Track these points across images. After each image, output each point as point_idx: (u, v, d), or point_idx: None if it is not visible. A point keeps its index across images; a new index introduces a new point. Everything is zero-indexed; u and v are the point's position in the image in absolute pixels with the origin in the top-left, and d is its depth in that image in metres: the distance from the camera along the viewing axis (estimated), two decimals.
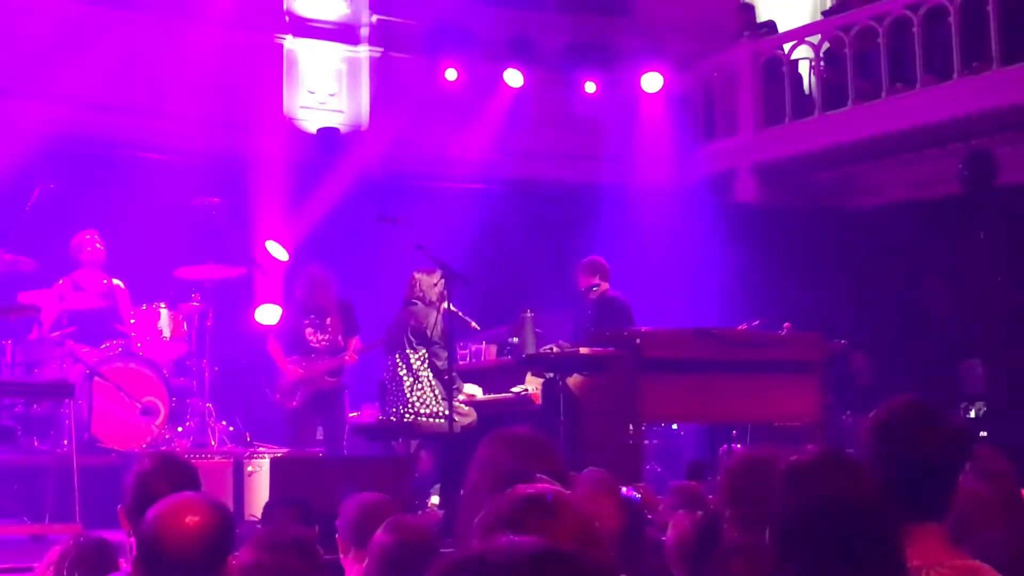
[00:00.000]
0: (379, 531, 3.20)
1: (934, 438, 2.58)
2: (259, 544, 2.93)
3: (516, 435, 3.18)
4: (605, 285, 8.92)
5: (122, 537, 3.67)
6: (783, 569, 2.19)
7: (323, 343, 8.91)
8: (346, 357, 8.87)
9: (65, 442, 7.47)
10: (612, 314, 8.71)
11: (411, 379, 7.80)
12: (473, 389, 8.12)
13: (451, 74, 12.03)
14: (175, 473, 3.28)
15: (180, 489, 2.95)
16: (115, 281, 9.01)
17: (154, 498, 2.90)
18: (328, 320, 8.94)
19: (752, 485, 3.03)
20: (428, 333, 7.81)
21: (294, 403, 8.75)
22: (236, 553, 2.93)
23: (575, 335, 8.41)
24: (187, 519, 2.51)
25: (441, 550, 3.29)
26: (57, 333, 8.40)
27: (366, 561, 3.28)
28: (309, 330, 8.91)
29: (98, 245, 8.87)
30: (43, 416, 8.01)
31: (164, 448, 7.57)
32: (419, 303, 7.95)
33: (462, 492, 6.82)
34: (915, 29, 11.00)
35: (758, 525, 2.74)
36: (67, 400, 7.30)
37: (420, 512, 7.21)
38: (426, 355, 7.82)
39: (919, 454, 2.54)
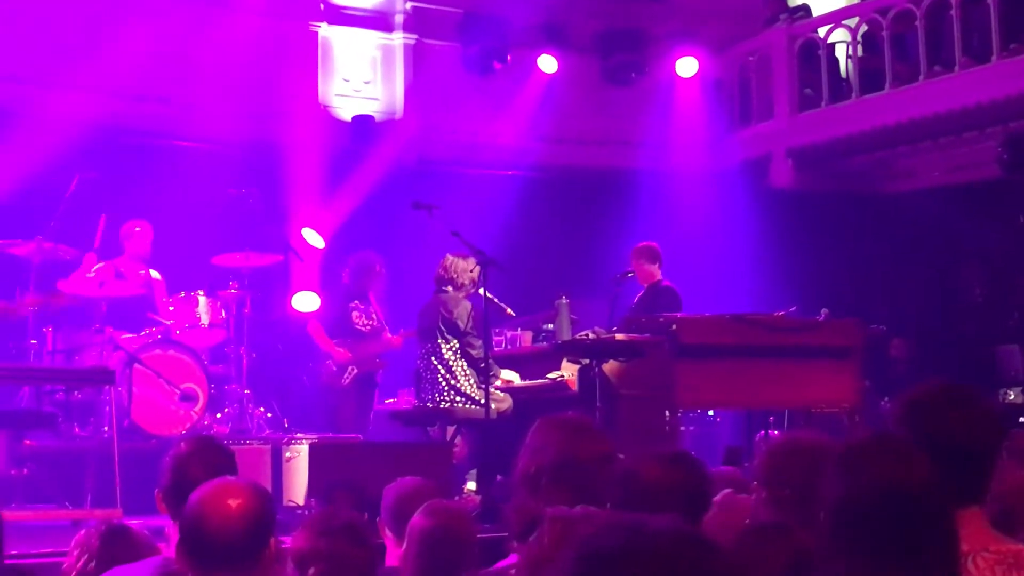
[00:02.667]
0: (417, 515, 3.22)
1: (967, 420, 2.57)
2: (313, 529, 2.95)
3: (567, 420, 3.18)
4: (659, 274, 9.02)
5: (162, 522, 3.71)
6: (835, 555, 2.18)
7: (368, 327, 9.02)
8: (396, 340, 8.94)
9: (106, 428, 7.55)
10: (667, 305, 8.74)
11: (444, 369, 7.81)
12: (510, 375, 8.13)
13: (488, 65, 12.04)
14: (211, 457, 3.30)
15: (216, 473, 2.97)
16: (152, 272, 9.09)
17: (190, 482, 2.94)
18: (371, 305, 9.06)
19: (792, 468, 3.02)
20: (459, 324, 7.79)
21: (344, 383, 8.84)
22: (288, 538, 2.95)
23: (612, 319, 8.40)
24: (229, 502, 2.54)
25: (478, 535, 3.31)
26: (90, 320, 8.50)
27: (404, 544, 3.30)
28: (355, 314, 9.00)
29: (149, 240, 8.98)
30: (83, 402, 8.10)
31: (203, 434, 7.63)
32: (450, 288, 7.93)
33: (501, 478, 6.83)
34: (953, 11, 10.88)
35: (794, 508, 2.73)
36: (107, 387, 7.38)
37: (457, 498, 7.23)
38: (458, 346, 7.81)
39: (953, 437, 2.53)
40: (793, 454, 3.09)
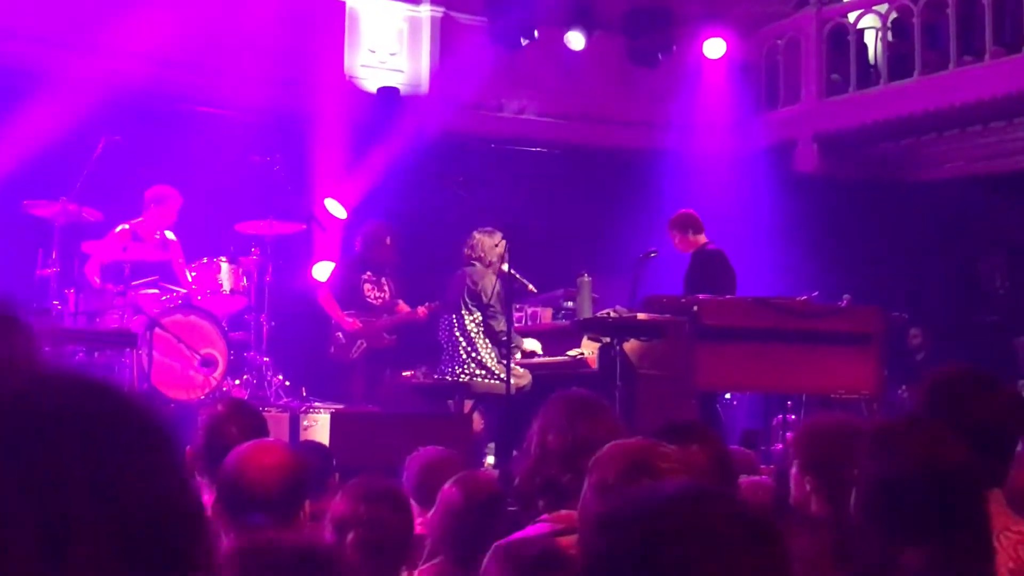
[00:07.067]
0: (448, 485, 3.24)
1: (990, 404, 2.57)
2: (353, 494, 2.96)
3: (576, 397, 3.20)
4: (703, 239, 8.90)
5: None
6: (867, 534, 2.18)
7: (380, 300, 8.97)
8: (419, 312, 8.84)
9: None
10: (719, 268, 8.68)
11: (465, 341, 7.83)
12: (533, 344, 8.13)
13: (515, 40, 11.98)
14: (245, 419, 3.32)
15: (250, 434, 3.00)
16: (167, 234, 9.08)
17: (225, 441, 2.96)
18: (383, 278, 9.00)
19: (835, 451, 2.99)
20: (484, 296, 7.81)
21: (352, 356, 8.81)
22: (330, 502, 2.96)
23: (634, 298, 8.37)
24: (267, 459, 2.57)
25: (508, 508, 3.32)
26: (112, 283, 8.52)
27: (431, 513, 3.32)
28: (368, 286, 8.96)
29: (176, 207, 8.95)
30: (103, 366, 8.12)
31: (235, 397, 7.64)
32: (477, 264, 7.97)
33: (516, 452, 6.83)
34: (985, 0, 10.80)
35: (839, 491, 2.72)
36: (129, 350, 7.40)
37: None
38: (481, 318, 7.83)
39: (976, 419, 2.53)
40: (833, 437, 3.05)
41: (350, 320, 8.80)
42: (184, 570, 0.92)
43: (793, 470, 3.04)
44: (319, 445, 5.32)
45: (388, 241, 8.99)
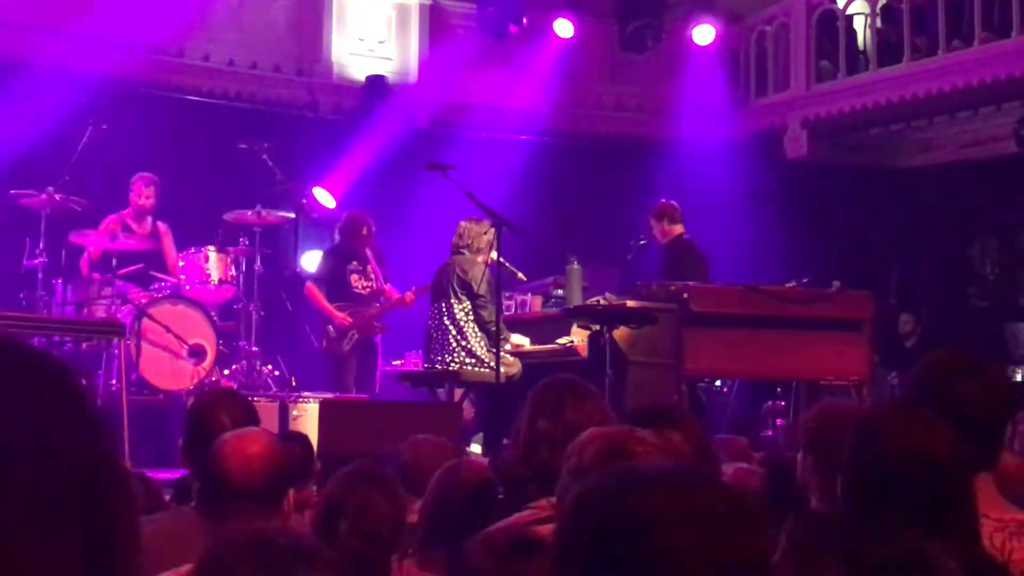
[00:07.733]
0: (440, 473, 3.23)
1: (981, 388, 2.57)
2: (345, 481, 2.95)
3: (563, 383, 3.20)
4: (679, 230, 8.90)
5: (169, 475, 3.70)
6: (856, 519, 2.17)
7: (367, 289, 8.95)
8: (407, 297, 8.82)
9: (114, 382, 7.55)
10: (690, 259, 8.68)
11: (455, 329, 7.80)
12: (520, 340, 8.11)
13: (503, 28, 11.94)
14: (235, 408, 3.30)
15: (240, 424, 2.98)
16: (158, 224, 9.06)
17: (215, 431, 2.94)
18: (368, 266, 8.97)
19: (839, 435, 2.98)
20: (473, 285, 7.79)
21: (345, 349, 8.79)
22: (320, 489, 2.95)
23: (624, 286, 8.36)
24: (250, 448, 2.55)
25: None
26: (99, 273, 8.49)
27: (422, 501, 3.31)
28: (354, 276, 8.92)
29: (152, 197, 8.93)
30: (91, 356, 8.09)
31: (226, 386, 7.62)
32: (466, 252, 7.95)
33: (506, 440, 6.83)
34: None
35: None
36: (117, 340, 7.37)
37: None
38: (470, 307, 7.81)
39: (966, 404, 2.53)
40: (837, 424, 3.04)
41: (341, 316, 8.75)
42: (108, 522, 0.90)
43: (800, 452, 3.04)
44: (299, 435, 5.31)
45: (365, 231, 8.95)
